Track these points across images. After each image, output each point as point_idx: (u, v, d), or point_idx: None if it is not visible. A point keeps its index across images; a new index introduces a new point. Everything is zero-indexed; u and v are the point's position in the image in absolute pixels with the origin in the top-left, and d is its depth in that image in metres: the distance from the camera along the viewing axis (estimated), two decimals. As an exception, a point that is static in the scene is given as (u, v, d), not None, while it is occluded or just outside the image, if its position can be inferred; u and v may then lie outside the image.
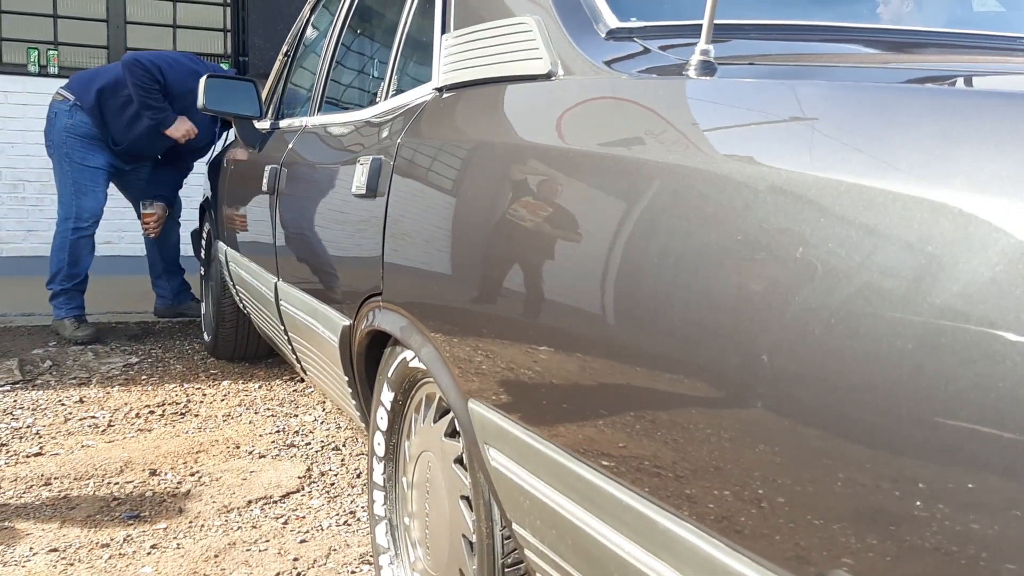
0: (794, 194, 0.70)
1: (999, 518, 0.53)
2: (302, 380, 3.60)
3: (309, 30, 2.98)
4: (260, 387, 3.53)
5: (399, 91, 1.85)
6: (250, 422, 3.09)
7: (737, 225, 0.74)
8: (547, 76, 1.21)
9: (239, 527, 2.27)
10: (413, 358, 1.51)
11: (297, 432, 2.99)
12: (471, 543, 1.37)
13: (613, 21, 1.22)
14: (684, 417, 0.79)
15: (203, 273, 4.28)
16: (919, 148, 0.64)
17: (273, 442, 2.89)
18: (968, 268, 0.57)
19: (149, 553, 2.12)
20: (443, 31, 1.62)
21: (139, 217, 4.28)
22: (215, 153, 3.92)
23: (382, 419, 1.71)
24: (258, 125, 3.00)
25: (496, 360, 1.14)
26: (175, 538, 2.20)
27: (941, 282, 0.58)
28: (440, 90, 1.56)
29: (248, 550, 2.14)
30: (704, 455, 0.76)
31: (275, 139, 2.75)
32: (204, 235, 4.15)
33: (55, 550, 2.12)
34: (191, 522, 2.30)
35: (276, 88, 3.12)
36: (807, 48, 1.21)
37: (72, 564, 2.06)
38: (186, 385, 3.53)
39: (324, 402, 3.33)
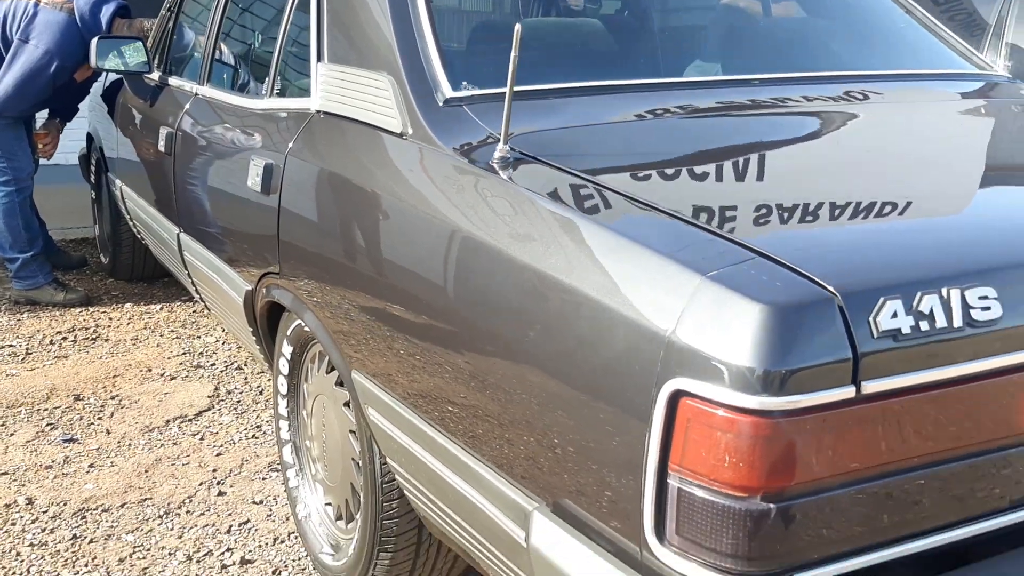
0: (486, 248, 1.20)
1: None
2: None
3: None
4: (161, 309, 3.89)
5: (283, 91, 2.22)
6: (157, 345, 3.47)
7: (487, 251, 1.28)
8: (400, 135, 1.64)
9: (162, 444, 2.71)
10: (304, 324, 1.96)
11: (202, 353, 3.40)
12: (358, 464, 1.86)
13: (448, 91, 1.64)
14: (473, 390, 1.29)
15: (94, 197, 4.52)
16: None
17: (181, 364, 3.30)
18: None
19: (88, 471, 2.55)
20: (318, 58, 2.00)
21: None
22: (105, 85, 4.04)
23: (284, 366, 2.16)
24: (147, 78, 3.28)
25: (365, 335, 1.62)
26: (108, 457, 2.63)
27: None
28: (319, 112, 1.95)
29: (173, 464, 2.59)
30: (481, 411, 1.27)
31: (167, 97, 3.05)
32: (93, 162, 4.37)
33: (6, 473, 2.52)
34: (119, 442, 2.72)
35: (162, 40, 3.37)
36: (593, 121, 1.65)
37: (24, 485, 2.47)
38: (92, 309, 3.86)
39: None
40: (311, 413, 2.11)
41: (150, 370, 3.24)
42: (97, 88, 4.10)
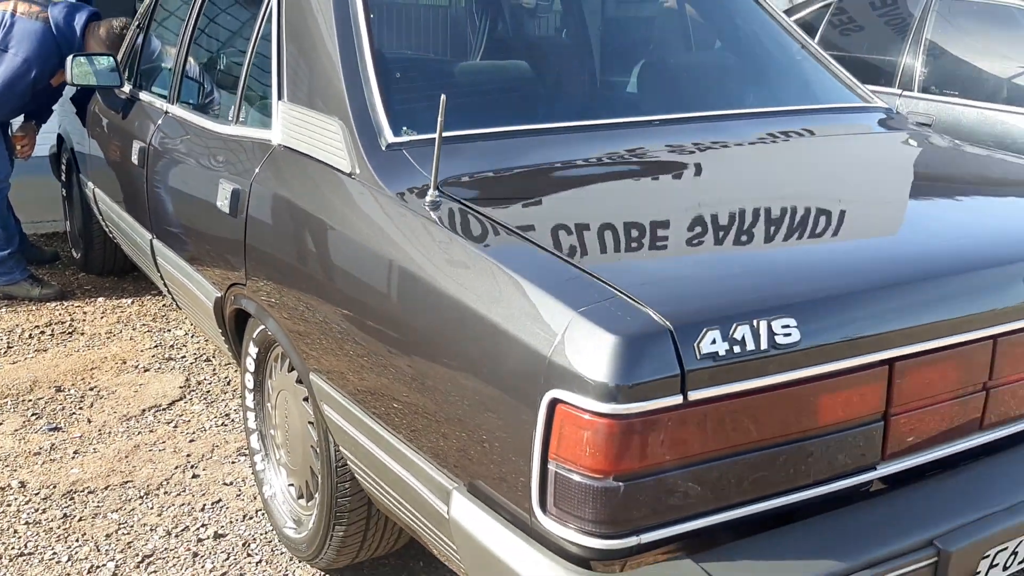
0: (419, 279, 1.53)
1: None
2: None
3: (160, 14, 3.48)
4: (132, 303, 4.16)
5: (247, 120, 2.50)
6: (131, 338, 3.75)
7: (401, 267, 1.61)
8: (349, 175, 1.94)
9: (139, 432, 3.00)
10: (268, 330, 2.26)
11: (172, 346, 3.68)
12: (316, 451, 2.17)
13: (390, 137, 1.95)
14: (410, 391, 1.61)
15: (64, 194, 4.76)
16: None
17: (154, 356, 3.58)
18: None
19: (73, 457, 2.84)
20: (279, 96, 2.29)
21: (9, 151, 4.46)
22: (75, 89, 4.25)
23: (250, 364, 2.46)
24: (119, 91, 3.53)
25: (320, 341, 1.92)
26: (91, 444, 2.92)
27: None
28: (280, 146, 2.24)
29: (150, 450, 2.89)
30: (412, 408, 1.60)
31: (139, 111, 3.31)
32: (64, 161, 4.61)
33: (-1, 460, 2.81)
34: (100, 430, 3.01)
35: (132, 54, 3.62)
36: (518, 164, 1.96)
37: (16, 470, 2.75)
38: (67, 304, 4.11)
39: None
40: (275, 405, 2.41)
41: (125, 362, 3.52)
42: (67, 91, 4.33)
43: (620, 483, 1.29)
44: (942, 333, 1.49)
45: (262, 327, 2.31)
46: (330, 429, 1.99)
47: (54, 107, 4.48)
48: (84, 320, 3.94)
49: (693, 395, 1.29)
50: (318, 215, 1.97)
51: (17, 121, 4.37)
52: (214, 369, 3.48)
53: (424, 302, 1.61)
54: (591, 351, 1.28)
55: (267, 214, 2.20)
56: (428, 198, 1.73)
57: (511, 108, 2.25)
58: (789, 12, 5.96)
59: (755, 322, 1.33)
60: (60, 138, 4.62)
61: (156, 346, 3.67)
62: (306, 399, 2.18)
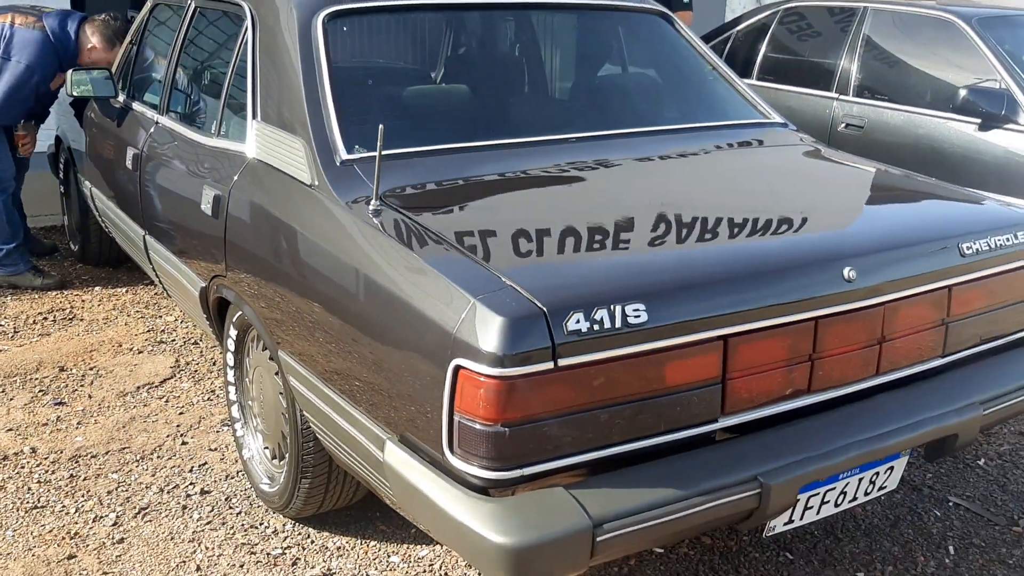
0: (361, 272, 1.91)
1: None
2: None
3: (152, 31, 3.86)
4: (127, 291, 4.55)
5: (227, 134, 2.89)
6: (125, 324, 4.14)
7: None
8: (310, 186, 2.34)
9: (135, 406, 3.40)
10: (245, 315, 2.66)
11: (163, 331, 4.07)
12: (286, 417, 2.57)
13: (344, 154, 2.35)
14: (354, 363, 2.01)
15: (63, 191, 5.14)
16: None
17: (147, 340, 3.97)
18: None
19: (77, 427, 3.23)
20: (254, 115, 2.68)
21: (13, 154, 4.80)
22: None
23: (231, 345, 2.86)
24: (113, 101, 3.92)
25: (287, 324, 2.32)
26: (92, 416, 3.31)
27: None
28: (255, 159, 2.64)
29: (144, 421, 3.29)
30: (357, 377, 1.99)
31: (132, 120, 3.69)
32: (61, 161, 4.98)
33: (11, 429, 3.20)
34: (100, 404, 3.40)
35: (125, 69, 4.00)
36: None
37: (26, 438, 3.15)
38: (66, 292, 4.51)
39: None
40: (252, 380, 2.81)
41: (121, 345, 3.91)
42: (64, 96, 4.71)
43: (507, 428, 1.69)
44: (770, 315, 1.90)
45: (240, 312, 2.71)
46: (295, 397, 2.39)
47: (51, 108, 4.85)
48: (83, 307, 4.33)
49: (562, 362, 1.70)
50: (285, 219, 2.37)
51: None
52: (201, 352, 3.87)
53: (365, 291, 2.01)
54: (484, 328, 1.69)
55: (244, 217, 2.59)
56: (371, 207, 2.13)
57: (447, 128, 2.65)
58: (751, 14, 6.36)
59: (611, 306, 1.74)
60: (58, 138, 4.99)
61: (149, 331, 4.07)
62: (277, 373, 2.58)
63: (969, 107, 4.60)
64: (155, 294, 4.51)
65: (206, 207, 2.77)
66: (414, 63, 3.11)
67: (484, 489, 1.75)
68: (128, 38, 4.10)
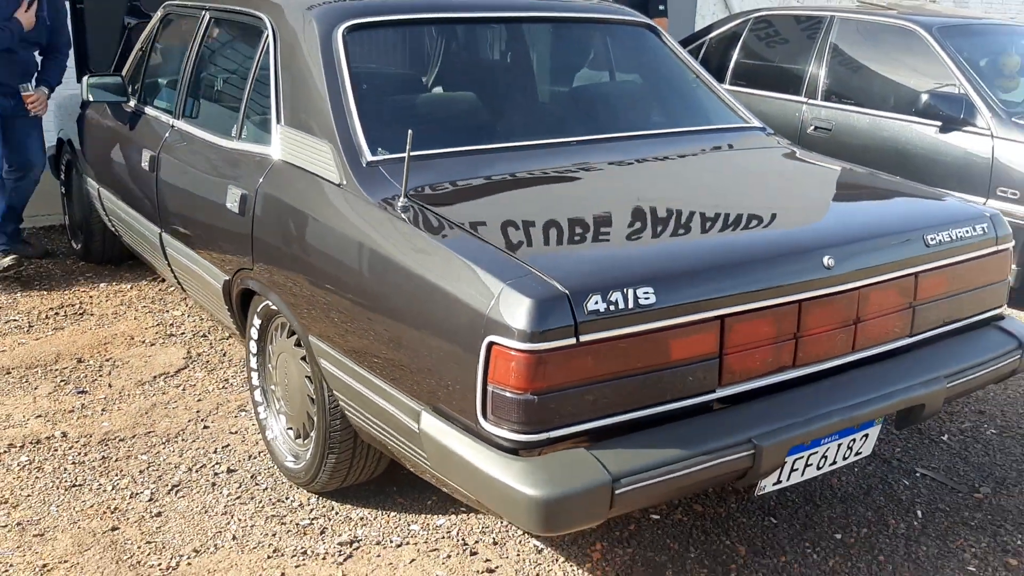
0: (394, 261, 2.14)
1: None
2: (163, 281, 4.80)
3: (163, 39, 4.05)
4: (132, 288, 4.73)
5: (249, 137, 3.10)
6: (135, 318, 4.33)
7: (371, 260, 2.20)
8: (339, 185, 2.56)
9: (154, 394, 3.59)
10: (272, 303, 2.87)
11: (172, 324, 4.26)
12: (312, 399, 2.78)
13: (369, 156, 2.57)
14: (388, 346, 2.24)
15: (64, 191, 5.29)
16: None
17: (157, 333, 4.16)
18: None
19: (102, 414, 3.42)
20: (278, 120, 2.89)
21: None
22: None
23: (255, 333, 3.07)
24: (124, 105, 4.10)
25: (319, 312, 2.54)
26: (114, 404, 3.50)
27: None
28: (281, 160, 2.85)
29: (165, 408, 3.48)
30: (393, 358, 2.22)
31: (145, 125, 3.88)
32: (63, 162, 5.14)
33: (40, 416, 3.38)
34: (120, 393, 3.59)
35: (136, 75, 4.18)
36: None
37: (56, 424, 3.34)
38: (74, 288, 4.68)
39: (186, 299, 4.58)
40: (275, 366, 3.02)
41: (133, 338, 4.10)
42: (64, 99, 4.91)
43: (535, 396, 1.93)
44: (760, 298, 2.16)
45: (266, 303, 2.92)
46: (326, 379, 2.61)
47: (52, 111, 4.98)
48: (92, 303, 4.50)
49: (583, 338, 1.94)
50: (316, 216, 2.59)
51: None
52: (211, 343, 4.07)
53: (400, 280, 2.24)
54: (515, 309, 1.93)
55: (271, 214, 2.81)
56: (400, 203, 2.36)
57: (458, 132, 2.88)
58: (723, 22, 6.65)
59: (625, 289, 1.98)
60: (60, 140, 5.15)
61: (158, 324, 4.25)
62: (303, 358, 2.80)
63: (930, 111, 4.91)
64: (159, 289, 4.69)
65: (232, 205, 2.98)
66: (424, 72, 3.34)
67: (515, 451, 1.98)
68: (138, 45, 4.28)
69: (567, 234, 2.29)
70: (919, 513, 2.88)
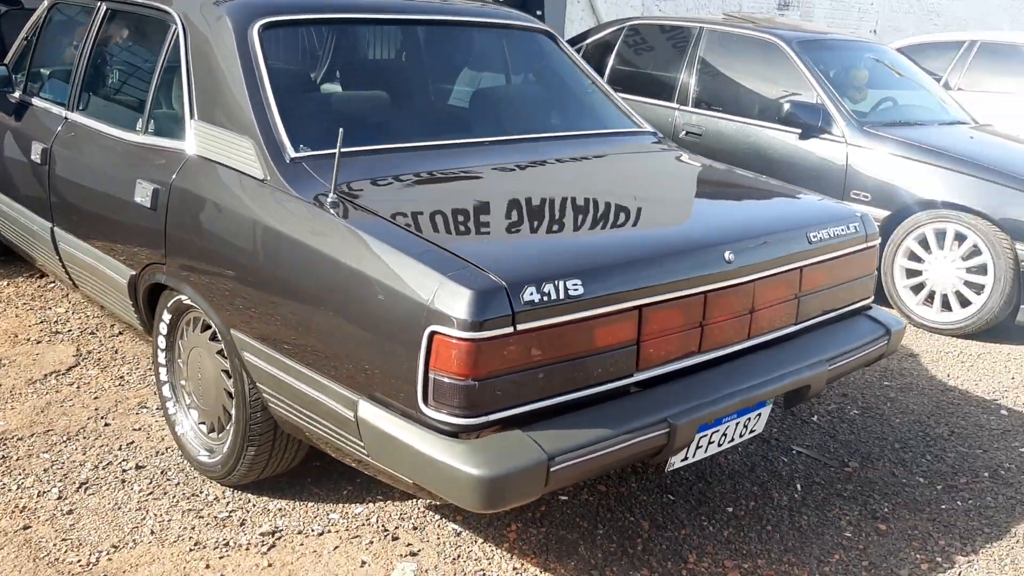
0: (322, 255, 2.23)
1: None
2: (42, 276, 4.64)
3: (53, 30, 3.93)
4: (8, 285, 4.56)
5: (158, 131, 3.08)
6: (16, 316, 4.18)
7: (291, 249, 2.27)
8: (262, 180, 2.61)
9: (47, 392, 3.51)
10: (185, 298, 2.87)
11: (57, 322, 4.15)
12: (230, 393, 2.81)
13: (292, 152, 2.63)
14: (320, 339, 2.31)
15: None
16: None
17: (42, 331, 4.04)
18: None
19: (-7, 414, 3.33)
20: (191, 115, 2.90)
21: None
22: None
23: (163, 329, 3.06)
24: (9, 95, 3.96)
25: (242, 306, 2.58)
26: (7, 402, 3.40)
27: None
28: (196, 155, 2.86)
29: (61, 406, 3.41)
30: (326, 349, 2.30)
31: (34, 117, 3.77)
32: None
33: (-74, 418, 3.26)
34: (11, 392, 3.49)
35: (21, 65, 4.04)
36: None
37: (-56, 425, 3.22)
38: (-57, 286, 4.47)
39: (67, 296, 4.45)
40: (186, 361, 3.02)
41: (16, 336, 3.97)
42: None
43: (476, 382, 2.06)
44: (672, 290, 2.35)
45: (178, 297, 2.93)
46: (249, 371, 2.65)
47: None
48: (-35, 301, 4.32)
49: (519, 327, 2.08)
50: (239, 211, 2.63)
51: None
52: (100, 340, 3.98)
53: (333, 275, 2.31)
54: (456, 300, 2.04)
55: (189, 208, 2.82)
56: (329, 199, 2.44)
57: (376, 130, 2.97)
58: (597, 30, 6.91)
59: (556, 281, 2.14)
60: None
61: (42, 322, 4.13)
62: (220, 352, 2.82)
63: (791, 119, 5.30)
64: (38, 286, 4.54)
65: (142, 200, 2.96)
66: (340, 70, 3.40)
67: (454, 434, 2.10)
68: (23, 34, 4.14)
69: (497, 229, 2.42)
70: (798, 487, 3.16)
